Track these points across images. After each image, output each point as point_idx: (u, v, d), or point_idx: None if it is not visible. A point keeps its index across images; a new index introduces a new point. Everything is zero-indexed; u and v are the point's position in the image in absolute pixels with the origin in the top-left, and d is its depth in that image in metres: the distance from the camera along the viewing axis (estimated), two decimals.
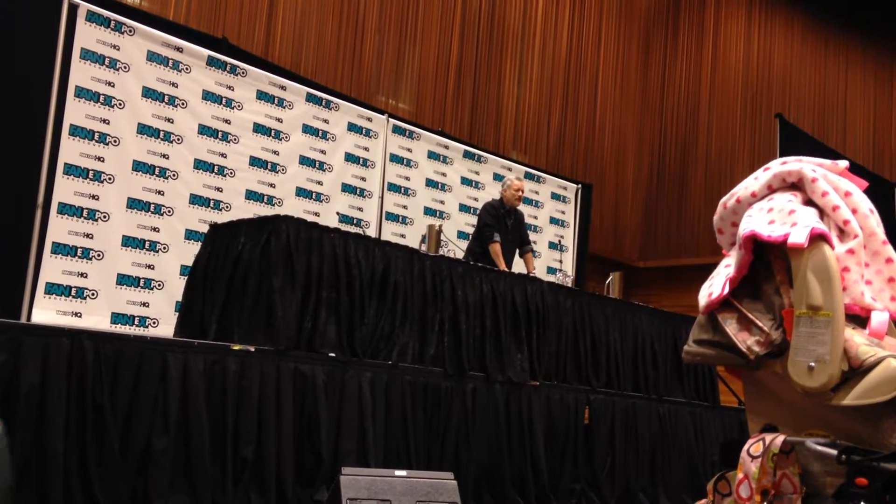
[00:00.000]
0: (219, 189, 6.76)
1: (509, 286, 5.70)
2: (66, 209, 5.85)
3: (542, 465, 5.48)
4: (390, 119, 8.15)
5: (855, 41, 11.28)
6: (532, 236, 8.24)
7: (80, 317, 5.81)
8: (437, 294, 5.27)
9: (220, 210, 6.72)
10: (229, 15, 7.92)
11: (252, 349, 4.31)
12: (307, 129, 7.43)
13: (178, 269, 6.35)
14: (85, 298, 5.89)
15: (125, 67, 6.20)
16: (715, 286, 2.46)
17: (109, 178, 6.09)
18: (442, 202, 8.56)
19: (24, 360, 3.52)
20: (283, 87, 7.26)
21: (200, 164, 6.66)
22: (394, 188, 8.14)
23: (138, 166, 6.27)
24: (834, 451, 2.09)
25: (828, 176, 2.40)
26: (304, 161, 7.39)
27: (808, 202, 2.38)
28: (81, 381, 3.66)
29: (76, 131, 5.93)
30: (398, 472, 3.92)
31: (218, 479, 4.01)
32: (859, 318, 2.25)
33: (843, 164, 2.46)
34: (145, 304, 6.22)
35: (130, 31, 6.24)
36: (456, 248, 7.09)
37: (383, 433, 4.72)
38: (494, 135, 10.41)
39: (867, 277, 2.31)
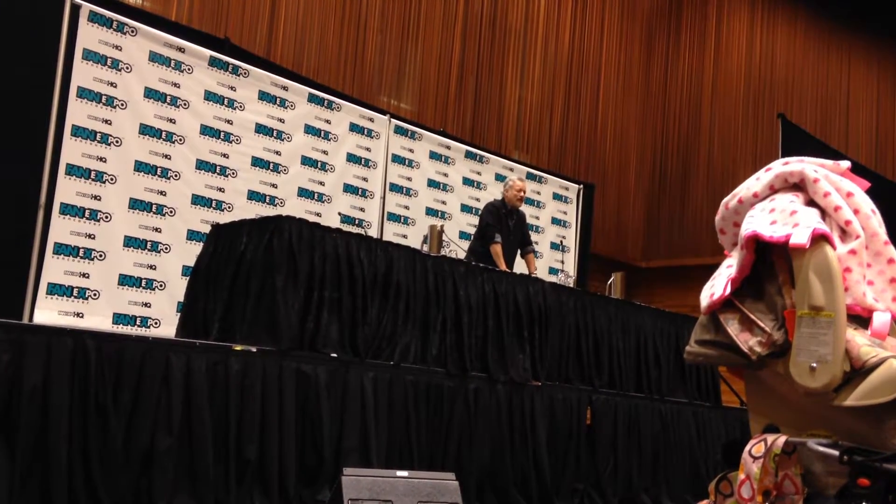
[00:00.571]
0: (221, 189, 6.77)
1: (511, 286, 5.70)
2: (68, 209, 5.85)
3: (544, 465, 5.48)
4: (392, 119, 8.15)
5: (858, 40, 11.27)
6: (534, 237, 8.24)
7: (81, 317, 5.82)
8: (439, 294, 5.28)
9: (222, 210, 6.73)
10: (231, 15, 7.93)
11: (254, 349, 4.32)
12: (309, 130, 7.43)
13: (180, 270, 6.36)
14: (87, 299, 5.90)
15: (127, 68, 6.21)
16: (717, 286, 2.46)
17: (111, 179, 6.10)
18: (444, 202, 8.56)
19: (26, 360, 3.52)
20: (284, 88, 7.26)
21: (202, 165, 6.66)
22: (396, 188, 8.14)
23: (140, 167, 6.28)
24: (836, 452, 2.09)
25: (830, 176, 2.40)
26: (306, 161, 7.40)
27: (810, 203, 2.38)
28: (84, 382, 3.66)
29: (78, 132, 5.94)
30: (400, 473, 3.93)
31: (221, 479, 4.02)
32: (861, 319, 2.25)
33: (845, 164, 2.46)
34: (147, 305, 6.23)
35: (132, 31, 6.25)
36: (458, 249, 7.10)
37: (386, 433, 4.72)
38: (496, 135, 10.41)
39: (869, 278, 2.31)
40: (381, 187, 7.96)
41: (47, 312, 5.63)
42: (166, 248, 6.37)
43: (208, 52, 6.75)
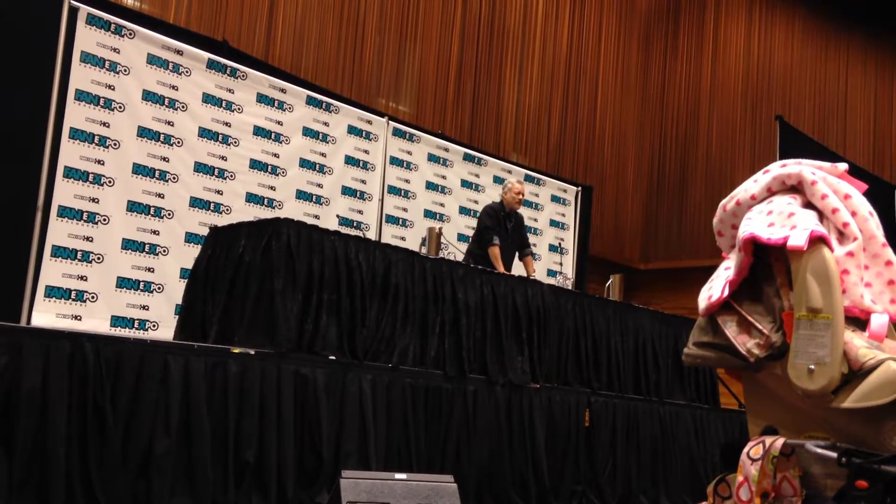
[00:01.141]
0: (219, 192, 6.77)
1: (510, 288, 5.70)
2: (66, 212, 5.85)
3: (542, 467, 5.48)
4: (390, 122, 8.15)
5: (856, 42, 11.29)
6: (532, 239, 8.25)
7: (79, 320, 5.82)
8: (437, 296, 5.28)
9: (221, 213, 6.73)
10: (229, 18, 7.93)
11: (253, 352, 4.31)
12: (307, 132, 7.44)
13: (178, 272, 6.35)
14: (85, 301, 5.89)
15: (125, 70, 6.21)
16: (715, 289, 2.46)
17: (109, 181, 6.10)
18: (442, 205, 8.56)
19: (24, 362, 3.52)
20: (283, 90, 7.26)
21: (200, 167, 6.66)
22: (394, 191, 8.14)
23: (138, 169, 6.28)
24: (834, 454, 2.09)
25: (827, 178, 2.41)
26: (305, 164, 7.40)
27: (808, 205, 2.38)
28: (82, 384, 3.66)
29: (76, 134, 5.94)
30: (398, 475, 3.92)
31: (219, 482, 4.01)
32: (859, 321, 2.25)
33: (843, 166, 2.46)
34: (145, 307, 6.22)
35: (130, 34, 6.25)
36: (456, 251, 7.10)
37: (384, 435, 4.72)
38: (494, 137, 10.41)
39: (867, 280, 2.31)
40: (379, 189, 7.96)
41: (45, 315, 5.63)
42: (164, 251, 6.37)
43: (206, 55, 6.74)
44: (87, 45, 6.00)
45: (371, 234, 7.71)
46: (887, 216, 9.65)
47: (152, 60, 6.39)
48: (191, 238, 6.50)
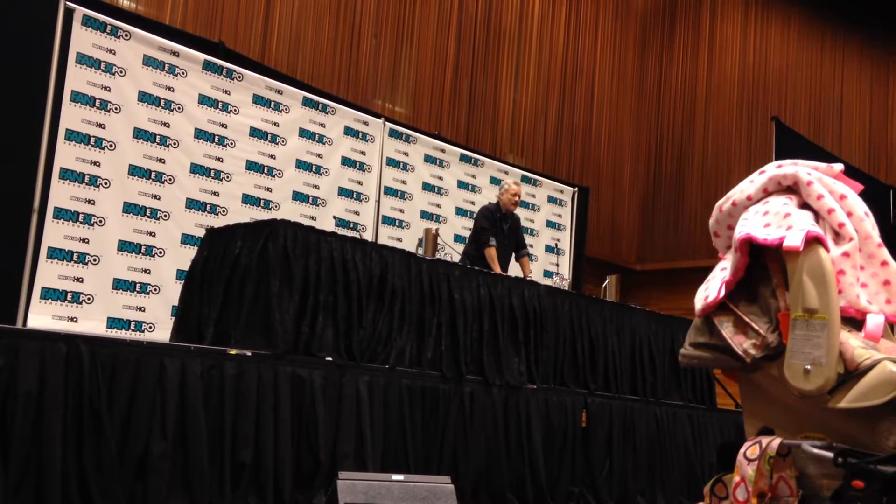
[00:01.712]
0: (215, 193, 6.76)
1: (507, 289, 5.71)
2: (61, 214, 5.84)
3: (539, 468, 5.48)
4: (387, 123, 8.15)
5: (851, 43, 11.32)
6: (529, 240, 8.25)
7: (75, 321, 5.81)
8: (434, 297, 5.28)
9: (217, 214, 6.72)
10: (225, 19, 7.92)
11: (249, 353, 4.31)
12: (304, 133, 7.43)
13: (175, 274, 6.35)
14: (81, 303, 5.88)
15: (121, 72, 6.20)
16: (711, 289, 2.47)
17: (105, 183, 6.09)
18: (438, 206, 8.56)
19: (20, 364, 3.51)
20: (279, 91, 7.26)
21: (197, 169, 6.66)
22: (390, 192, 8.14)
23: (134, 171, 6.27)
24: (830, 454, 2.09)
25: (823, 179, 2.41)
26: (301, 165, 7.39)
27: (804, 205, 2.39)
28: (78, 386, 3.65)
29: (72, 136, 5.93)
30: (395, 476, 3.92)
31: (216, 484, 4.01)
32: (855, 321, 2.26)
33: (839, 167, 2.47)
34: (141, 309, 6.21)
35: (126, 35, 6.24)
36: (453, 252, 7.10)
37: (381, 437, 4.72)
38: (491, 138, 10.42)
39: (862, 280, 2.31)
40: (375, 191, 7.96)
41: (41, 317, 5.61)
42: (160, 252, 6.36)
43: (202, 56, 6.74)
44: (83, 47, 6.00)
45: (368, 236, 7.71)
46: (883, 217, 9.67)
47: (148, 62, 6.38)
48: (187, 239, 6.49)
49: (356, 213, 7.81)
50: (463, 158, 8.86)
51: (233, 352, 4.27)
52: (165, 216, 6.42)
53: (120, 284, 6.12)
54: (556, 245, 9.24)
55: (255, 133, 7.07)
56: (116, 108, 6.17)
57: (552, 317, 5.98)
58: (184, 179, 6.55)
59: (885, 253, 2.36)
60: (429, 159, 8.51)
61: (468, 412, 5.20)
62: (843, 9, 11.25)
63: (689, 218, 12.03)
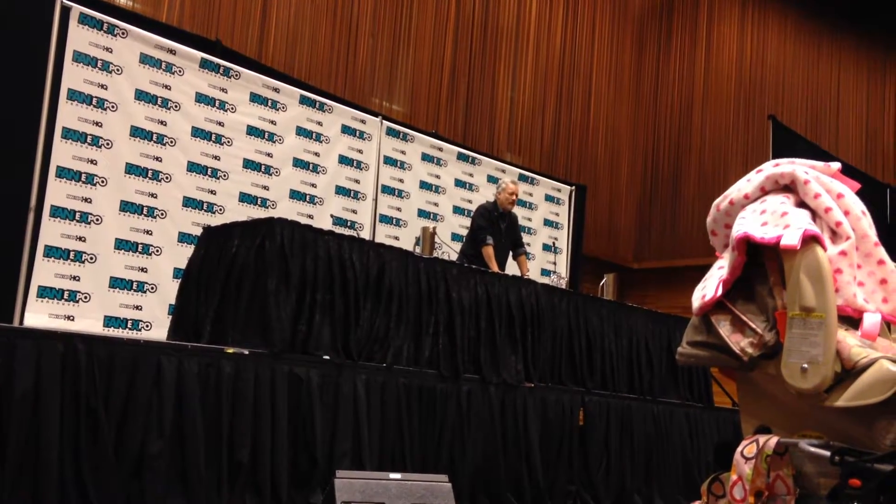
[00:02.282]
0: (212, 192, 6.75)
1: (504, 288, 5.70)
2: (58, 212, 5.83)
3: (537, 466, 5.48)
4: (384, 121, 8.15)
5: (848, 42, 11.33)
6: (526, 238, 8.25)
7: (72, 320, 5.80)
8: (431, 296, 5.27)
9: (214, 213, 6.71)
10: (222, 17, 7.91)
11: (246, 352, 4.30)
12: (301, 132, 7.42)
13: (172, 272, 6.34)
14: (77, 302, 5.87)
15: (118, 70, 6.19)
16: (708, 288, 2.47)
17: (102, 181, 6.08)
18: (436, 204, 8.56)
19: (17, 363, 3.50)
20: (276, 90, 7.25)
21: (194, 167, 6.65)
22: (388, 190, 8.13)
23: (131, 169, 6.26)
24: (827, 453, 2.10)
25: (820, 178, 2.41)
26: (298, 163, 7.38)
27: (801, 204, 2.39)
28: (75, 385, 3.64)
29: (69, 134, 5.92)
30: (393, 475, 3.92)
31: (213, 483, 4.00)
32: (852, 320, 2.26)
33: (836, 166, 2.47)
34: (138, 308, 6.21)
35: (123, 33, 6.23)
36: (450, 251, 7.09)
37: (378, 436, 4.72)
38: (488, 137, 10.42)
39: (859, 279, 2.31)
40: (373, 189, 7.95)
41: (38, 315, 5.61)
42: (157, 251, 6.35)
43: (199, 54, 6.73)
44: (80, 45, 5.98)
45: (365, 234, 7.70)
46: (880, 215, 9.69)
47: (145, 60, 6.37)
48: (184, 238, 6.48)
49: (353, 211, 7.80)
50: (460, 157, 8.85)
51: (230, 350, 4.26)
52: (162, 214, 6.41)
53: (117, 283, 6.11)
54: (554, 243, 9.24)
55: (253, 131, 7.06)
56: (113, 107, 6.16)
57: (549, 315, 5.98)
58: (181, 178, 6.55)
59: (881, 251, 2.36)
60: (426, 158, 8.50)
61: (465, 411, 5.20)
62: (839, 8, 11.26)
63: (687, 216, 12.05)
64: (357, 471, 4.19)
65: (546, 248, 9.42)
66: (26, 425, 3.49)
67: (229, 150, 6.88)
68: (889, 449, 2.04)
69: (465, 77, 10.19)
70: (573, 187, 10.11)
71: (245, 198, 6.97)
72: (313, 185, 7.49)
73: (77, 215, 5.93)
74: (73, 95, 5.95)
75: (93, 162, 6.03)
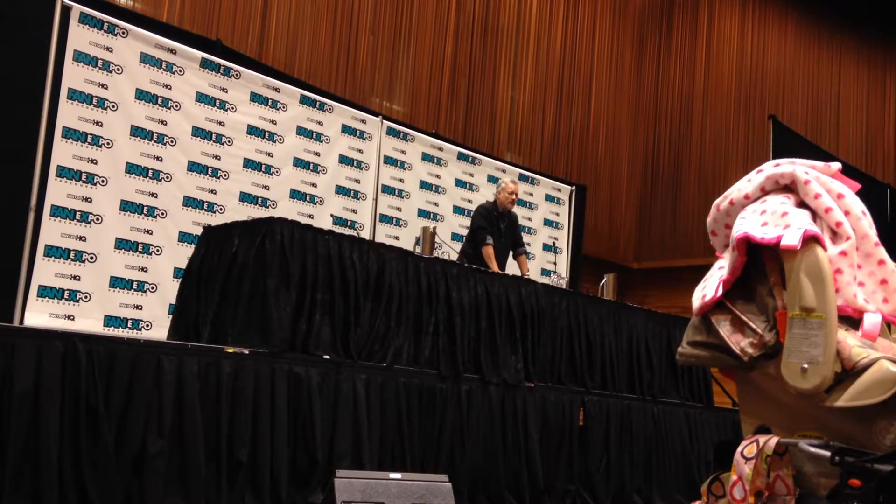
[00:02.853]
0: (212, 191, 6.75)
1: (504, 288, 5.70)
2: (58, 212, 5.83)
3: (536, 466, 5.48)
4: (384, 121, 8.15)
5: (848, 41, 11.33)
6: (526, 238, 8.25)
7: (72, 319, 5.80)
8: (431, 296, 5.27)
9: (214, 212, 6.71)
10: (223, 17, 7.91)
11: (246, 351, 4.30)
12: (301, 131, 7.42)
13: (172, 272, 6.34)
14: (78, 301, 5.87)
15: (118, 69, 6.19)
16: (708, 288, 2.46)
17: (102, 181, 6.08)
18: (436, 204, 8.56)
19: (17, 363, 3.50)
20: (276, 90, 7.25)
21: (194, 167, 6.65)
22: (388, 190, 8.13)
23: (131, 168, 6.26)
24: (827, 453, 2.10)
25: (820, 178, 2.41)
26: (298, 163, 7.38)
27: (801, 204, 2.39)
28: (75, 384, 3.65)
29: (69, 133, 5.92)
30: (393, 475, 3.92)
31: (213, 482, 4.00)
32: (852, 320, 2.25)
33: (836, 166, 2.47)
34: (138, 307, 6.21)
35: (123, 32, 6.23)
36: (450, 250, 7.09)
37: (378, 435, 4.72)
38: (488, 136, 10.42)
39: (860, 279, 2.31)
40: (373, 189, 7.95)
41: (38, 315, 5.61)
42: (158, 250, 6.35)
43: (200, 54, 6.73)
44: (80, 44, 5.98)
45: (365, 234, 7.70)
46: (880, 215, 9.68)
47: (145, 59, 6.37)
48: (184, 237, 6.48)
49: (354, 211, 7.80)
50: (460, 157, 8.85)
51: (230, 350, 4.26)
52: (163, 214, 6.41)
53: (117, 282, 6.11)
54: (554, 243, 9.24)
55: (253, 131, 7.06)
56: (114, 106, 6.16)
57: (549, 315, 5.98)
58: (181, 177, 6.55)
59: (882, 252, 2.36)
60: (426, 157, 8.50)
61: (465, 410, 5.20)
62: (840, 7, 11.26)
63: (687, 216, 12.05)
64: (357, 470, 4.19)
65: (546, 247, 9.42)
66: (26, 425, 3.49)
67: (229, 149, 6.88)
68: (889, 449, 2.04)
69: (466, 77, 10.19)
70: (573, 187, 10.11)
71: (245, 197, 6.97)
72: (313, 185, 7.49)
73: (77, 215, 5.93)
74: (74, 95, 5.95)
75: (93, 161, 6.03)
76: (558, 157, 11.39)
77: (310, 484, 4.36)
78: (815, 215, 2.35)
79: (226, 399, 4.12)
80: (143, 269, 6.26)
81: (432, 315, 5.25)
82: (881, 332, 2.24)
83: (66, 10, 5.90)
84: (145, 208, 6.31)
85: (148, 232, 6.31)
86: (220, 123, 6.83)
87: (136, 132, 6.30)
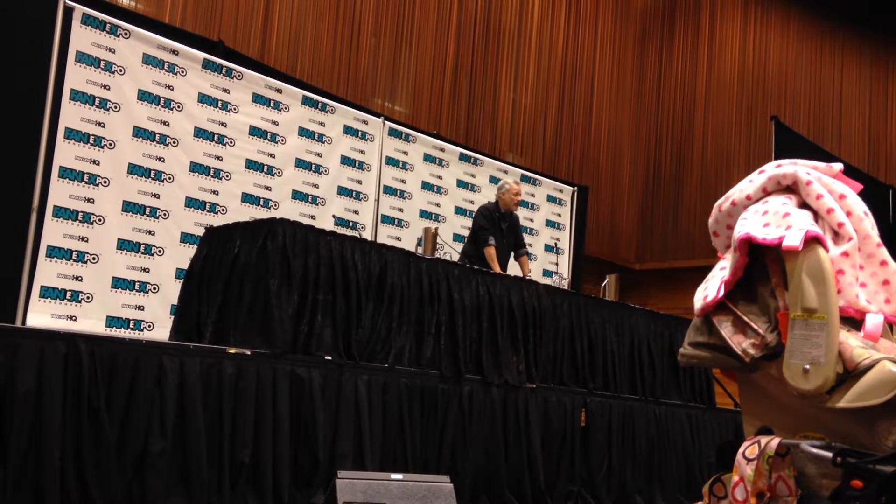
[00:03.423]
0: (214, 192, 6.76)
1: (506, 289, 5.70)
2: (61, 212, 5.84)
3: (538, 467, 5.48)
4: (386, 122, 8.15)
5: (850, 42, 11.32)
6: (528, 239, 8.25)
7: (74, 320, 5.80)
8: (433, 297, 5.27)
9: (216, 213, 6.72)
10: (225, 18, 7.92)
11: (248, 352, 4.31)
12: (303, 132, 7.43)
13: (174, 273, 6.35)
14: (80, 302, 5.88)
15: (120, 70, 6.20)
16: (710, 289, 2.46)
17: (105, 182, 6.08)
18: (438, 205, 8.56)
19: (19, 363, 3.51)
20: (278, 90, 7.26)
21: (196, 167, 6.66)
22: (390, 191, 8.14)
23: (133, 169, 6.26)
24: (829, 454, 2.09)
25: (822, 179, 2.41)
26: (300, 164, 7.39)
27: (803, 205, 2.39)
28: (77, 385, 3.65)
29: (71, 134, 5.92)
30: (394, 476, 3.92)
31: (214, 482, 4.01)
32: (854, 321, 2.25)
33: (838, 166, 2.47)
34: (140, 308, 6.21)
35: (126, 33, 6.24)
36: (452, 251, 7.10)
37: (380, 436, 4.72)
38: (490, 137, 10.42)
39: (862, 280, 2.31)
40: (375, 190, 7.95)
41: (40, 315, 5.61)
42: (160, 251, 6.36)
43: (202, 55, 6.74)
44: (83, 45, 5.99)
45: (367, 235, 7.71)
46: (882, 216, 9.68)
47: (148, 60, 6.38)
48: (186, 238, 6.49)
49: (355, 212, 7.81)
50: (462, 158, 8.86)
51: (232, 351, 4.27)
52: (165, 215, 6.41)
53: (119, 283, 6.12)
54: (556, 244, 9.24)
55: (255, 132, 7.06)
56: (116, 107, 6.17)
57: (551, 316, 5.98)
58: (183, 178, 6.55)
59: (884, 252, 2.35)
60: (428, 158, 8.50)
61: (467, 411, 5.20)
62: (842, 8, 11.25)
63: (689, 217, 12.04)
64: (359, 471, 4.20)
65: (548, 248, 9.41)
66: (28, 425, 3.49)
67: (231, 150, 6.88)
68: (891, 450, 2.04)
69: (468, 78, 10.19)
70: (575, 188, 10.11)
71: (247, 198, 6.98)
72: (315, 186, 7.49)
73: (79, 215, 5.93)
74: (76, 96, 5.95)
75: (95, 162, 6.04)
76: (560, 158, 11.39)
77: (311, 484, 4.36)
78: (816, 216, 2.35)
79: (227, 400, 4.13)
80: (146, 270, 6.27)
81: (434, 316, 5.26)
82: (883, 332, 2.24)
83: (69, 12, 5.91)
84: (147, 209, 6.32)
85: (150, 233, 6.32)
86: (222, 124, 6.84)
87: (139, 133, 6.31)
